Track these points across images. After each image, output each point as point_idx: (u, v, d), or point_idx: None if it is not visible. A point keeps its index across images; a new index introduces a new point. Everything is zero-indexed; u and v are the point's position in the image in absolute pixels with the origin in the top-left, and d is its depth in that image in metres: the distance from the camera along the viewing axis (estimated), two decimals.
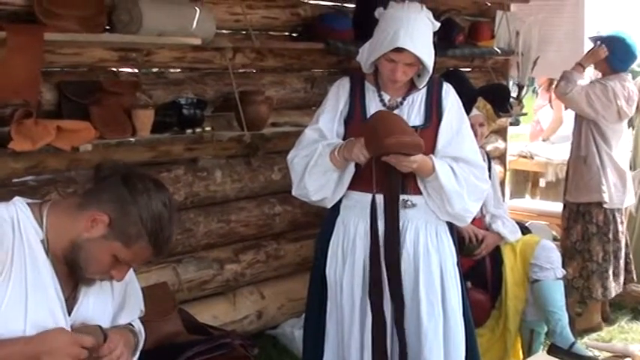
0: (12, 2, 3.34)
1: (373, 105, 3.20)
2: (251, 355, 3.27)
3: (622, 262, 5.09)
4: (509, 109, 5.23)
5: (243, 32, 4.29)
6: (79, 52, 3.66)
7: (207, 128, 3.90)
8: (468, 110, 3.59)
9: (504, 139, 6.49)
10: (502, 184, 6.09)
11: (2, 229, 2.03)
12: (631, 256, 5.21)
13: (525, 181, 7.39)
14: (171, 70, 4.14)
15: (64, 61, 3.63)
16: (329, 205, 3.24)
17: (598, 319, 5.16)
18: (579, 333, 4.80)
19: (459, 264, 3.30)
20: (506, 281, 4.09)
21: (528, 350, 4.28)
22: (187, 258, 4.23)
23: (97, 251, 2.07)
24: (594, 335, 5.00)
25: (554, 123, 7.51)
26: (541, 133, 7.69)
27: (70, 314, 2.12)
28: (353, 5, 4.76)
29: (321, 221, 3.42)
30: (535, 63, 5.56)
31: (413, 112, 3.19)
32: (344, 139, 3.18)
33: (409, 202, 3.15)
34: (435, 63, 3.14)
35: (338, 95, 3.26)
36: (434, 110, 3.20)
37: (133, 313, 2.37)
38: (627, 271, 5.16)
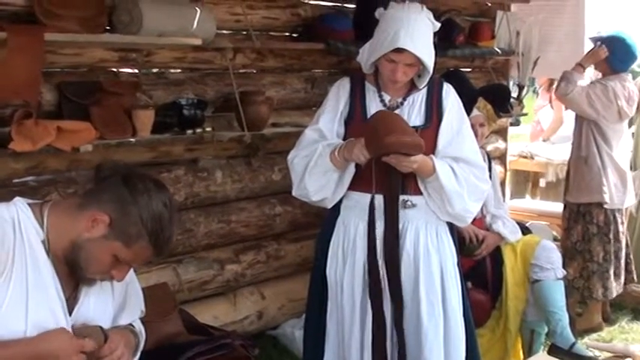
0: (12, 3, 3.34)
1: (373, 105, 3.20)
2: (251, 355, 3.27)
3: (623, 262, 5.09)
4: (509, 110, 5.23)
5: (244, 32, 4.29)
6: (79, 52, 3.66)
7: (208, 129, 3.90)
8: (468, 110, 3.59)
9: (505, 140, 6.49)
10: (502, 184, 6.09)
11: (3, 229, 2.03)
12: (631, 256, 5.21)
13: (526, 182, 7.39)
14: (172, 71, 4.14)
15: (65, 61, 3.64)
16: (329, 206, 3.24)
17: (598, 319, 5.16)
18: (580, 333, 4.80)
19: (459, 264, 3.30)
20: (507, 281, 4.09)
21: (529, 350, 4.28)
22: (188, 258, 4.23)
23: (98, 251, 2.07)
24: (595, 335, 5.00)
25: (555, 123, 7.51)
26: (541, 134, 7.69)
27: (70, 314, 2.12)
28: (353, 5, 4.76)
29: (322, 222, 3.42)
30: (535, 63, 5.56)
31: (413, 112, 3.19)
32: (344, 139, 3.18)
33: (409, 203, 3.15)
34: (435, 63, 3.14)
35: (338, 95, 3.26)
36: (434, 110, 3.20)
37: (134, 313, 2.37)
38: (628, 271, 5.16)
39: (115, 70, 3.87)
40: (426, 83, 3.20)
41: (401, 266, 3.14)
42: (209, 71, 4.25)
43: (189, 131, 3.82)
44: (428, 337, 3.14)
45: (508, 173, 6.73)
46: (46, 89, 3.51)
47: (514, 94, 5.53)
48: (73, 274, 2.12)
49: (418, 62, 3.07)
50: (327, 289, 3.28)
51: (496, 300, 4.13)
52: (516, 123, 6.23)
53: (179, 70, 4.16)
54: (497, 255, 4.13)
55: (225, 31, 4.22)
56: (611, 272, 5.01)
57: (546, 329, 4.23)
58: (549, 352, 4.09)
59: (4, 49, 3.16)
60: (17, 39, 3.16)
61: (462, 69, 5.64)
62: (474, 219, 3.45)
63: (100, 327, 2.15)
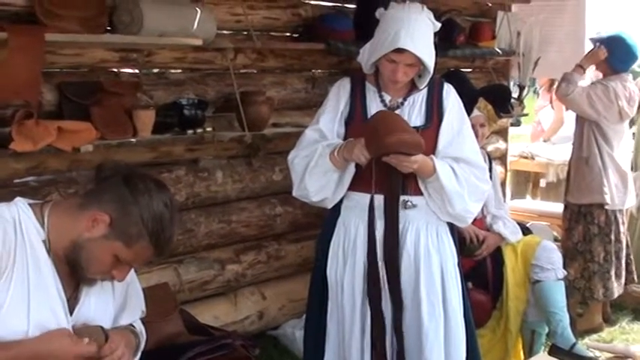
0: (13, 3, 3.34)
1: (374, 105, 3.20)
2: (252, 355, 3.27)
3: (623, 262, 5.09)
4: (510, 110, 5.22)
5: (244, 33, 4.29)
6: (80, 52, 3.66)
7: (208, 129, 3.90)
8: (468, 111, 3.58)
9: (505, 140, 6.48)
10: (503, 184, 6.10)
11: (4, 229, 2.03)
12: (632, 256, 5.21)
13: (526, 182, 7.39)
14: (172, 71, 4.14)
15: (65, 61, 3.64)
16: (329, 206, 3.24)
17: (599, 319, 5.16)
18: (580, 334, 4.80)
19: (459, 264, 3.30)
20: (507, 282, 4.09)
21: (529, 351, 4.28)
22: (188, 258, 4.23)
23: (98, 251, 2.07)
24: (595, 336, 5.00)
25: (555, 123, 7.51)
26: (542, 134, 7.69)
27: (71, 314, 2.12)
28: (354, 6, 4.76)
29: (322, 222, 3.42)
30: (536, 63, 5.56)
31: (414, 112, 3.19)
32: (344, 139, 3.18)
33: (410, 203, 3.15)
34: (435, 63, 3.14)
35: (338, 96, 3.26)
36: (435, 111, 3.20)
37: (135, 313, 2.37)
38: (628, 271, 5.16)
39: (115, 70, 3.87)
40: (426, 83, 3.19)
41: (401, 267, 3.15)
42: (210, 71, 4.25)
43: (190, 131, 3.82)
44: (428, 338, 3.14)
45: (509, 174, 6.73)
46: (46, 89, 3.51)
47: (515, 95, 5.52)
48: (74, 274, 2.12)
49: (419, 62, 3.07)
50: (327, 289, 3.28)
51: (497, 300, 4.13)
52: (517, 123, 6.23)
53: (180, 71, 4.16)
54: (497, 255, 4.13)
55: (225, 32, 4.22)
56: (612, 273, 5.01)
57: (547, 330, 4.23)
58: (550, 353, 4.08)
59: (4, 49, 3.16)
60: (18, 39, 3.16)
61: (462, 69, 5.64)
62: (475, 219, 3.45)
63: (101, 327, 2.16)
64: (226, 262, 4.41)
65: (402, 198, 3.12)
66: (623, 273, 5.10)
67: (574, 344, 4.09)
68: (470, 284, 3.86)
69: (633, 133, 5.70)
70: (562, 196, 5.45)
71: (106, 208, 2.06)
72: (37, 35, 3.24)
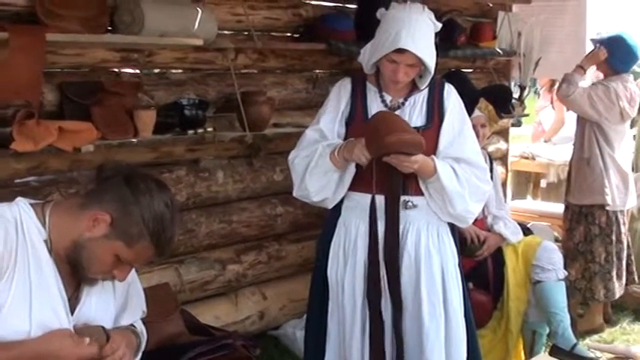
0: (14, 3, 3.34)
1: (374, 106, 3.20)
2: (253, 355, 3.27)
3: (624, 263, 5.09)
4: (511, 110, 5.22)
5: (245, 33, 4.29)
6: (80, 52, 3.66)
7: (209, 129, 3.90)
8: (469, 111, 3.58)
9: (506, 140, 6.48)
10: (504, 185, 6.10)
11: (6, 229, 2.03)
12: (632, 257, 5.21)
13: (527, 182, 7.38)
14: (173, 71, 4.14)
15: (66, 61, 3.64)
16: (330, 206, 3.24)
17: (600, 320, 5.16)
18: (581, 334, 4.80)
19: (460, 265, 3.30)
20: (508, 282, 4.08)
21: (530, 351, 4.28)
22: (189, 259, 4.23)
23: (99, 251, 2.08)
24: (596, 337, 5.00)
25: (556, 124, 7.51)
26: (543, 134, 7.69)
27: (72, 314, 2.12)
28: (355, 6, 4.77)
29: (323, 222, 3.42)
30: (537, 64, 5.56)
31: (414, 112, 3.19)
32: (345, 139, 3.18)
33: (410, 203, 3.15)
34: (436, 64, 3.14)
35: (339, 96, 3.26)
36: (435, 111, 3.20)
37: (136, 314, 2.37)
38: (629, 272, 5.16)
39: (116, 70, 3.87)
40: (427, 84, 3.19)
41: (402, 267, 3.15)
42: (210, 71, 4.25)
43: (191, 131, 3.82)
44: (429, 338, 3.14)
45: (509, 174, 6.73)
46: (47, 89, 3.51)
47: (515, 95, 5.52)
48: (75, 273, 2.12)
49: (419, 63, 3.07)
50: (328, 289, 3.27)
51: (497, 301, 4.13)
52: (518, 124, 6.24)
53: (180, 71, 4.16)
54: (498, 256, 4.13)
55: (226, 32, 4.22)
56: (614, 273, 5.01)
57: (548, 330, 4.23)
58: (551, 353, 4.08)
59: (5, 49, 3.16)
60: (19, 39, 3.16)
61: (463, 69, 5.64)
62: (476, 220, 3.45)
63: (102, 327, 2.16)
64: (227, 262, 4.41)
65: (402, 198, 3.12)
66: (624, 274, 5.10)
67: (575, 345, 4.09)
68: (471, 284, 3.86)
69: (634, 135, 5.70)
70: (563, 197, 5.45)
71: (107, 207, 2.07)
72: (38, 35, 3.24)
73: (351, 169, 3.13)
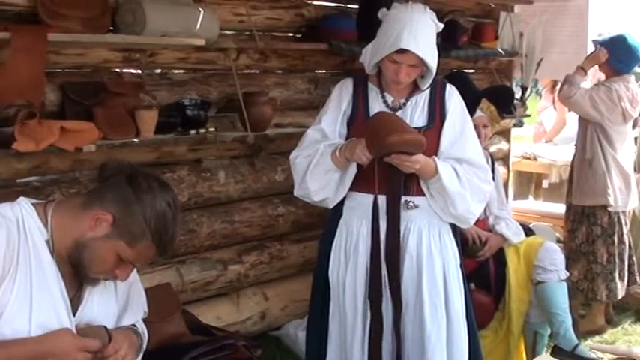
0: (16, 3, 3.34)
1: (376, 106, 3.20)
2: (254, 356, 3.26)
3: (626, 264, 5.09)
4: (512, 111, 5.22)
5: (247, 33, 4.29)
6: (82, 52, 3.66)
7: (211, 129, 3.90)
8: (471, 112, 3.58)
9: (508, 141, 6.48)
10: (505, 185, 6.09)
11: (8, 229, 2.03)
12: (634, 258, 5.21)
13: (529, 183, 7.37)
14: (175, 71, 4.14)
15: (68, 61, 3.64)
16: (331, 206, 3.24)
17: (601, 321, 5.15)
18: (582, 335, 4.80)
19: (462, 266, 3.30)
20: (510, 283, 4.08)
21: (532, 352, 4.28)
22: (191, 259, 4.23)
23: (101, 250, 2.08)
24: (597, 337, 5.00)
25: (558, 124, 7.50)
26: (544, 135, 7.68)
27: (74, 314, 2.12)
28: (356, 6, 4.76)
29: (324, 222, 3.42)
30: (539, 64, 5.56)
31: (416, 113, 3.19)
32: (347, 139, 3.17)
33: (412, 204, 3.15)
34: (438, 64, 3.13)
35: (341, 96, 3.26)
36: (437, 111, 3.20)
37: (137, 314, 2.37)
38: (631, 272, 5.16)
39: (118, 70, 3.87)
40: (429, 84, 3.19)
41: (403, 268, 3.14)
42: (212, 72, 4.25)
43: (193, 132, 3.82)
44: (431, 339, 3.14)
45: (511, 174, 6.72)
46: (49, 89, 3.51)
47: (517, 96, 5.52)
48: (77, 273, 2.12)
49: (421, 63, 3.07)
50: (329, 289, 3.27)
51: (499, 301, 4.13)
52: (519, 124, 6.22)
53: (182, 71, 4.17)
54: (500, 256, 4.13)
55: (228, 32, 4.22)
56: (616, 274, 5.01)
57: (549, 331, 4.23)
58: (552, 354, 4.09)
59: (7, 49, 3.16)
60: (21, 39, 3.16)
61: (465, 70, 5.64)
62: (477, 220, 3.45)
63: (104, 327, 2.16)
64: (229, 262, 4.40)
65: (404, 199, 3.12)
66: (626, 274, 5.10)
67: (576, 345, 4.08)
68: (472, 285, 3.86)
69: (635, 138, 5.69)
70: (564, 197, 5.44)
71: (109, 207, 2.07)
72: (39, 35, 3.24)
73: (352, 170, 3.12)
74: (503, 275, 4.10)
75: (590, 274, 5.03)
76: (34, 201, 2.15)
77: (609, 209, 4.97)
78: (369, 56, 3.18)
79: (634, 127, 5.31)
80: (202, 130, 3.86)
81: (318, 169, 3.12)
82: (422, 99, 3.21)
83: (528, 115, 5.95)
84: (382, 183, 3.08)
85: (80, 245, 2.07)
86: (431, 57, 3.06)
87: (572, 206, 5.16)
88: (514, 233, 4.17)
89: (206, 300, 4.32)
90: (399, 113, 3.16)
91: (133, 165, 2.23)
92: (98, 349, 2.08)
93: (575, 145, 5.24)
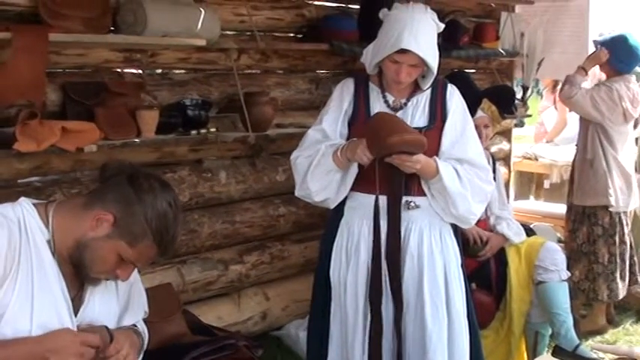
0: (17, 3, 3.34)
1: (377, 106, 3.20)
2: (255, 356, 3.26)
3: (628, 264, 5.09)
4: (513, 111, 5.22)
5: (248, 33, 4.29)
6: (83, 52, 3.66)
7: (212, 129, 3.90)
8: (472, 112, 3.58)
9: (509, 141, 6.48)
10: (506, 185, 6.09)
11: (9, 229, 2.03)
12: (636, 258, 5.20)
13: (530, 183, 7.37)
14: (176, 71, 4.14)
15: (69, 61, 3.64)
16: (332, 206, 3.24)
17: (603, 321, 5.15)
18: (584, 335, 4.79)
19: (463, 266, 3.30)
20: (511, 283, 4.08)
21: (533, 352, 4.28)
22: (192, 259, 4.23)
23: (102, 250, 2.08)
24: (599, 337, 4.99)
25: (559, 124, 7.49)
26: (545, 135, 7.67)
27: (76, 315, 2.12)
28: (358, 6, 4.76)
29: (326, 222, 3.42)
30: (540, 64, 5.56)
31: (417, 113, 3.19)
32: (348, 140, 3.18)
33: (413, 204, 3.14)
34: (439, 64, 3.13)
35: (342, 96, 3.26)
36: (438, 111, 3.20)
37: (138, 314, 2.37)
38: (632, 273, 5.16)
39: (119, 70, 3.87)
40: (430, 84, 3.19)
41: (404, 268, 3.14)
42: (213, 72, 4.25)
43: (194, 132, 3.82)
44: (432, 340, 3.14)
45: (512, 174, 6.72)
46: (50, 89, 3.52)
47: (518, 96, 5.52)
48: (78, 274, 2.12)
49: (422, 63, 3.07)
50: (330, 290, 3.27)
51: (500, 301, 4.13)
52: (520, 124, 6.22)
53: (183, 71, 4.17)
54: (501, 256, 4.13)
55: (229, 32, 4.22)
56: (617, 274, 5.01)
57: (550, 331, 4.23)
58: (553, 354, 4.09)
59: (8, 49, 3.16)
60: (22, 39, 3.16)
61: (466, 70, 5.64)
62: (478, 220, 3.45)
63: (106, 327, 2.16)
64: (230, 262, 4.40)
65: (405, 199, 3.12)
66: (627, 274, 5.10)
67: (577, 345, 4.08)
68: (474, 285, 3.86)
69: (636, 138, 5.69)
70: (565, 198, 5.44)
71: (110, 207, 2.07)
72: (41, 35, 3.24)
73: (353, 170, 3.12)
74: (505, 275, 4.10)
75: (591, 275, 5.03)
76: (35, 201, 2.15)
77: (610, 209, 4.97)
78: (370, 56, 3.18)
79: (635, 127, 5.30)
80: (203, 131, 3.86)
81: (320, 170, 3.12)
82: (423, 99, 3.21)
83: (529, 115, 5.95)
84: (383, 183, 3.08)
85: (81, 245, 2.07)
86: (432, 57, 3.06)
87: (574, 206, 5.16)
88: (515, 233, 4.17)
89: (207, 300, 4.32)
90: (399, 113, 3.16)
91: (134, 165, 2.23)
92: (98, 345, 2.07)
93: (577, 145, 5.24)
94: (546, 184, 7.07)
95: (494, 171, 3.98)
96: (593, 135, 5.00)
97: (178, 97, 3.99)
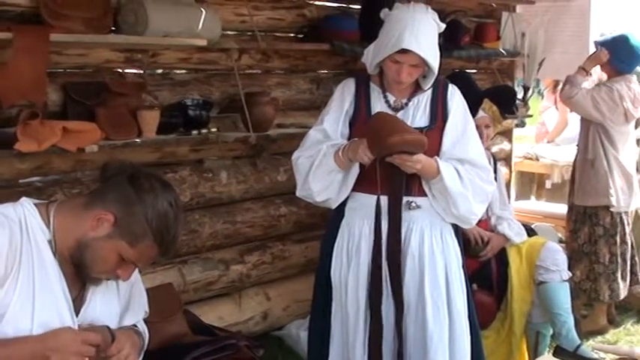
0: (18, 3, 3.34)
1: (378, 106, 3.20)
2: (256, 356, 3.26)
3: (629, 264, 5.08)
4: (514, 111, 5.22)
5: (249, 33, 4.29)
6: (84, 53, 3.66)
7: (213, 129, 3.90)
8: (473, 112, 3.58)
9: (510, 141, 6.48)
10: (507, 185, 6.09)
11: (10, 229, 2.03)
12: (637, 258, 5.20)
13: (531, 183, 7.37)
14: (177, 71, 4.14)
15: (70, 62, 3.64)
16: (333, 206, 3.24)
17: (604, 321, 5.15)
18: (585, 335, 4.79)
19: (464, 266, 3.29)
20: (512, 283, 4.08)
21: (534, 352, 4.28)
22: (193, 259, 4.22)
23: (103, 250, 2.08)
24: (600, 337, 4.99)
25: (560, 125, 7.50)
26: (546, 135, 7.68)
27: (77, 314, 2.13)
28: (359, 6, 4.76)
29: (327, 223, 3.42)
30: (541, 64, 5.55)
31: (418, 113, 3.19)
32: (349, 140, 3.18)
33: (414, 204, 3.14)
34: (440, 64, 3.14)
35: (343, 96, 3.26)
36: (439, 112, 3.20)
37: (138, 314, 2.37)
38: (633, 273, 5.16)
39: (120, 70, 3.87)
40: (431, 84, 3.19)
41: (405, 268, 3.14)
42: (214, 72, 4.24)
43: (195, 132, 3.82)
44: (433, 340, 3.14)
45: (513, 175, 6.72)
46: (51, 90, 3.51)
47: (519, 96, 5.52)
48: (80, 273, 2.12)
49: (423, 63, 3.07)
50: (331, 290, 3.27)
51: (501, 302, 4.13)
52: (521, 124, 6.21)
53: (184, 71, 4.16)
54: (502, 257, 4.13)
55: (230, 32, 4.21)
56: (618, 274, 5.01)
57: (551, 331, 4.23)
58: (554, 354, 4.09)
59: (9, 49, 3.16)
60: (23, 39, 3.16)
61: (467, 70, 5.63)
62: (479, 220, 3.45)
63: (108, 327, 2.16)
64: (231, 262, 4.40)
65: (406, 199, 3.12)
66: (629, 275, 5.10)
67: (579, 346, 4.08)
68: (475, 286, 3.86)
69: (637, 138, 5.68)
70: (567, 198, 5.44)
71: (111, 207, 2.07)
72: (42, 35, 3.24)
73: (355, 170, 3.12)
74: (506, 275, 4.10)
75: (592, 275, 5.03)
76: (37, 201, 2.15)
77: (611, 209, 4.97)
78: (371, 56, 3.18)
79: (636, 127, 5.30)
80: (204, 131, 3.86)
81: (321, 170, 3.12)
82: (424, 99, 3.21)
83: (530, 116, 5.95)
84: (384, 183, 3.08)
85: (82, 245, 2.07)
86: (433, 57, 3.06)
87: (575, 206, 5.16)
88: (516, 233, 4.17)
89: (208, 300, 4.32)
90: (400, 113, 3.17)
91: (135, 165, 2.23)
92: (99, 343, 2.07)
93: (578, 146, 5.24)
94: (548, 185, 7.07)
95: (495, 171, 3.98)
96: (594, 135, 5.00)
97: (179, 97, 3.99)
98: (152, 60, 3.93)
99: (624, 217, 5.04)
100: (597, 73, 5.71)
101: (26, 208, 2.09)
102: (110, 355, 2.11)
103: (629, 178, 5.04)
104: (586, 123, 5.08)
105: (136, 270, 2.24)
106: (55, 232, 2.09)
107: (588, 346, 4.30)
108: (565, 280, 4.08)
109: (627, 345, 4.69)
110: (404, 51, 3.00)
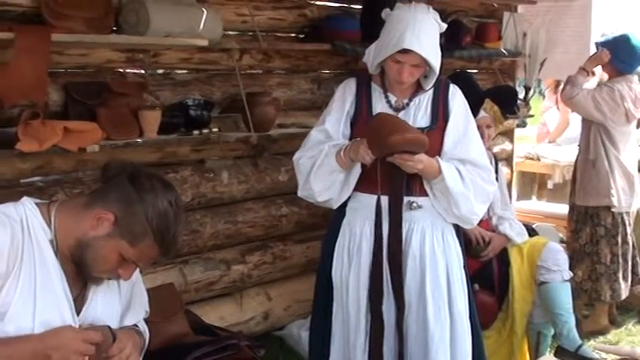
0: (19, 3, 3.35)
1: (379, 106, 3.20)
2: (257, 356, 3.26)
3: (630, 264, 5.08)
4: (516, 111, 5.22)
5: (250, 33, 4.29)
6: (86, 53, 3.67)
7: (214, 129, 3.90)
8: (475, 112, 3.58)
9: (511, 141, 6.48)
10: (509, 185, 6.08)
11: (12, 228, 2.03)
12: (638, 258, 5.20)
13: (532, 183, 7.37)
14: (178, 71, 4.14)
15: (71, 62, 3.64)
16: (335, 206, 3.24)
17: (605, 321, 5.15)
18: (586, 335, 4.78)
19: (465, 266, 3.29)
20: (513, 283, 4.08)
21: (535, 352, 4.27)
22: (194, 259, 4.23)
23: (103, 250, 2.08)
24: (601, 338, 4.99)
25: (561, 125, 7.50)
26: (548, 135, 7.68)
27: (78, 314, 2.13)
28: (360, 6, 4.76)
29: (328, 223, 3.42)
30: (542, 64, 5.55)
31: (419, 113, 3.19)
32: (350, 140, 3.17)
33: (415, 204, 3.14)
34: (441, 64, 3.13)
35: (344, 96, 3.26)
36: (440, 112, 3.20)
37: (139, 314, 2.37)
38: (634, 273, 5.15)
39: (121, 70, 3.87)
40: (432, 84, 3.19)
41: (406, 268, 3.14)
42: (215, 72, 4.25)
43: (196, 132, 3.82)
44: (434, 340, 3.13)
45: (514, 175, 6.72)
46: (52, 90, 3.52)
47: (521, 96, 5.52)
48: (81, 273, 2.13)
49: (424, 63, 3.06)
50: (332, 290, 3.27)
51: (503, 302, 4.12)
52: (523, 124, 6.22)
53: (186, 71, 4.17)
54: (503, 257, 4.13)
55: (231, 32, 4.22)
56: (620, 274, 5.00)
57: (552, 331, 4.22)
58: (556, 354, 4.08)
59: (11, 49, 3.16)
60: (24, 39, 3.16)
61: (468, 70, 5.63)
62: (481, 221, 3.45)
63: (109, 327, 2.16)
64: (232, 262, 4.40)
65: (407, 199, 3.12)
66: (630, 275, 5.09)
67: (580, 346, 4.08)
68: (476, 286, 3.86)
69: (639, 140, 5.68)
70: (568, 198, 5.44)
71: (111, 206, 2.07)
72: (43, 35, 3.24)
73: (357, 170, 3.12)
74: (507, 276, 4.10)
75: (593, 275, 5.03)
76: (38, 201, 2.15)
77: (613, 210, 4.97)
78: (372, 56, 3.18)
79: (638, 127, 5.30)
80: (205, 131, 3.86)
81: (323, 170, 3.12)
82: (425, 99, 3.21)
83: (532, 116, 5.95)
84: (385, 183, 3.08)
85: (83, 244, 2.08)
86: (434, 57, 3.06)
87: (576, 207, 5.16)
88: (517, 233, 4.16)
89: (209, 300, 4.32)
90: (402, 113, 3.16)
91: (136, 165, 2.23)
92: (100, 342, 2.08)
93: (579, 146, 5.24)
94: (550, 185, 7.07)
95: (496, 171, 3.98)
96: (595, 135, 4.99)
97: (180, 97, 3.99)
98: (153, 60, 3.93)
99: (625, 217, 5.03)
100: (599, 74, 5.72)
101: (27, 207, 2.09)
102: (112, 355, 2.11)
103: (630, 178, 5.03)
104: (587, 123, 5.08)
105: (137, 270, 2.24)
106: (56, 232, 2.09)
107: (589, 347, 4.29)
108: (566, 280, 4.08)
109: (629, 345, 4.68)
110: (405, 51, 3.00)
